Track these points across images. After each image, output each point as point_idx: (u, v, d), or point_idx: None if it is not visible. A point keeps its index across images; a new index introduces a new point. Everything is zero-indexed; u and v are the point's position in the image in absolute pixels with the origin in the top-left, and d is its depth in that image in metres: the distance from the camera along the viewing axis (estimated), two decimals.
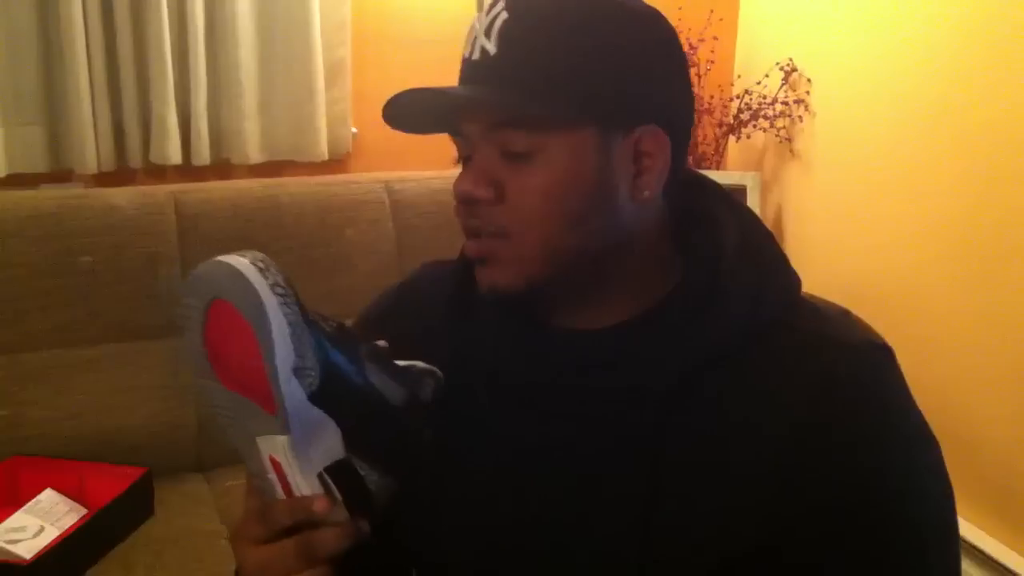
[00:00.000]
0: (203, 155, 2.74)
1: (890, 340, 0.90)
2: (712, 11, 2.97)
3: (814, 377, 0.85)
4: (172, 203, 2.38)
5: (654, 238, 0.92)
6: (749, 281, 0.89)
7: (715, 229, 0.93)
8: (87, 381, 2.24)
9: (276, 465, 0.84)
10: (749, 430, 0.85)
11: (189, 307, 0.84)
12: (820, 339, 0.88)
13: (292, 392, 0.80)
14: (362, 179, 2.62)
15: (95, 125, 2.61)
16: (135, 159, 2.69)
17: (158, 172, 2.76)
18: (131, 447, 2.19)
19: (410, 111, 0.92)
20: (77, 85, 2.55)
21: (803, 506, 0.83)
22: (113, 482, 2.00)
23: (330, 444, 0.84)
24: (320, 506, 0.82)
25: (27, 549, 1.80)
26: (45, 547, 1.81)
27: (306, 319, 0.82)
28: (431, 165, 2.70)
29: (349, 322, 0.94)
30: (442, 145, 3.42)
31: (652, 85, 0.89)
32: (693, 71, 2.83)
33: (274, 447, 0.83)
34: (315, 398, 0.82)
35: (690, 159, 2.91)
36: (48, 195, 2.37)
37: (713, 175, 1.87)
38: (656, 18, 0.90)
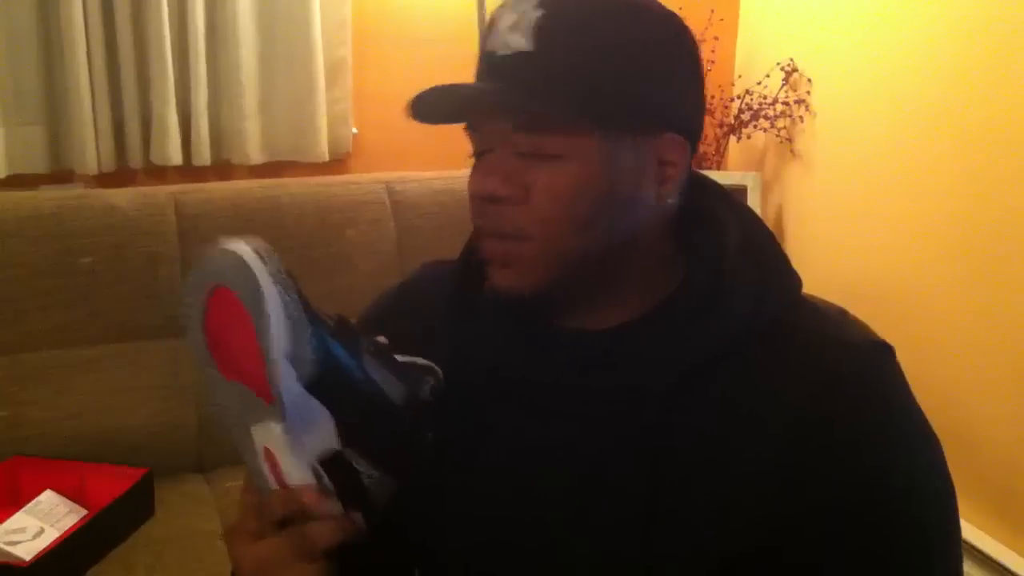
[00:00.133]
0: (203, 155, 2.74)
1: (890, 340, 0.90)
2: (713, 11, 2.96)
3: (817, 376, 0.85)
4: (172, 204, 2.38)
5: (658, 239, 0.92)
6: (752, 280, 0.90)
7: (717, 229, 0.93)
8: (87, 381, 2.24)
9: (270, 456, 0.83)
10: (751, 429, 0.85)
11: (191, 295, 0.85)
12: (822, 338, 0.88)
13: (288, 380, 0.80)
14: (363, 179, 2.62)
15: (95, 125, 2.61)
16: (135, 159, 2.69)
17: (158, 172, 2.76)
18: (131, 447, 2.19)
19: (434, 104, 0.91)
20: (77, 85, 2.55)
21: (806, 505, 0.83)
22: (113, 483, 2.00)
23: (324, 436, 0.83)
24: (310, 497, 0.81)
25: (27, 551, 1.80)
26: (45, 548, 1.80)
27: (306, 309, 0.82)
28: (432, 166, 2.70)
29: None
30: (443, 146, 3.41)
31: (677, 95, 0.90)
32: None
33: (268, 437, 0.82)
34: (313, 389, 0.81)
35: None
36: (48, 195, 2.37)
37: (714, 175, 1.87)
38: (682, 27, 0.91)
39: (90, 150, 2.59)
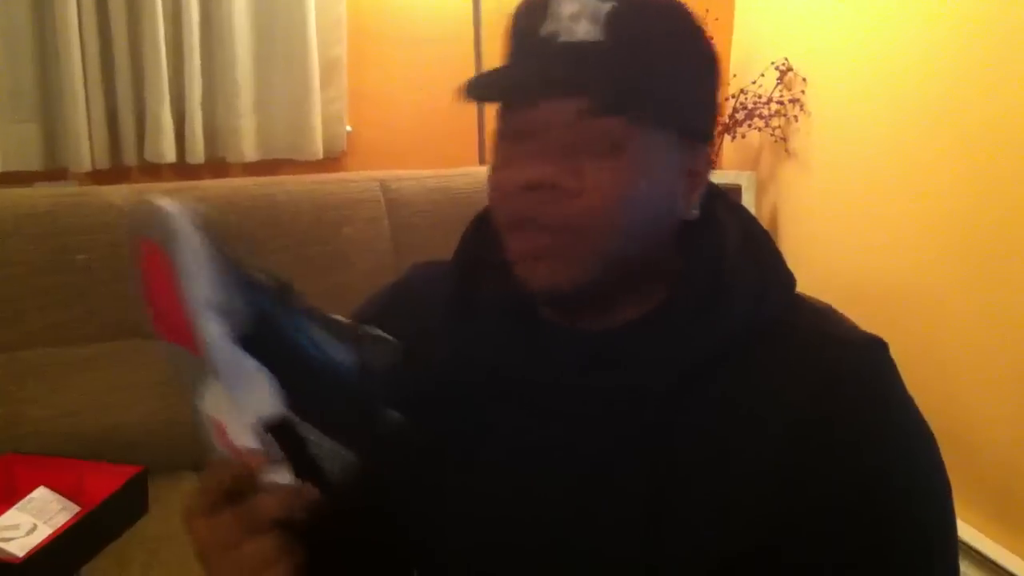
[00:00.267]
0: (198, 153, 2.74)
1: (887, 340, 0.90)
2: (707, 10, 2.93)
3: (816, 376, 0.85)
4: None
5: (664, 240, 0.93)
6: (752, 279, 0.90)
7: (716, 229, 0.93)
8: (84, 379, 2.24)
9: (217, 425, 0.80)
10: (751, 429, 0.85)
11: (131, 259, 0.82)
12: (821, 336, 0.88)
13: (214, 330, 0.77)
14: (358, 177, 2.62)
15: (90, 123, 2.61)
16: (130, 157, 2.69)
17: (153, 170, 2.76)
18: (128, 445, 2.19)
19: (500, 79, 0.87)
20: (72, 83, 2.55)
21: (806, 505, 0.83)
22: (108, 480, 2.00)
23: (265, 398, 0.79)
24: (252, 462, 0.78)
25: (20, 547, 1.80)
26: (38, 545, 1.80)
27: (236, 261, 0.79)
28: (426, 164, 2.70)
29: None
30: (437, 144, 3.38)
31: (712, 108, 0.92)
32: None
33: (214, 403, 0.80)
34: (246, 344, 0.78)
35: None
36: (44, 193, 2.36)
37: None
38: (710, 40, 0.91)
39: (84, 147, 2.59)
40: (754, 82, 2.93)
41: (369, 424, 0.84)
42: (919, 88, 2.40)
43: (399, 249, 2.53)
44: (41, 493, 1.97)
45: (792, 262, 0.94)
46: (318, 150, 2.87)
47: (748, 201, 2.97)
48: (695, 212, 0.91)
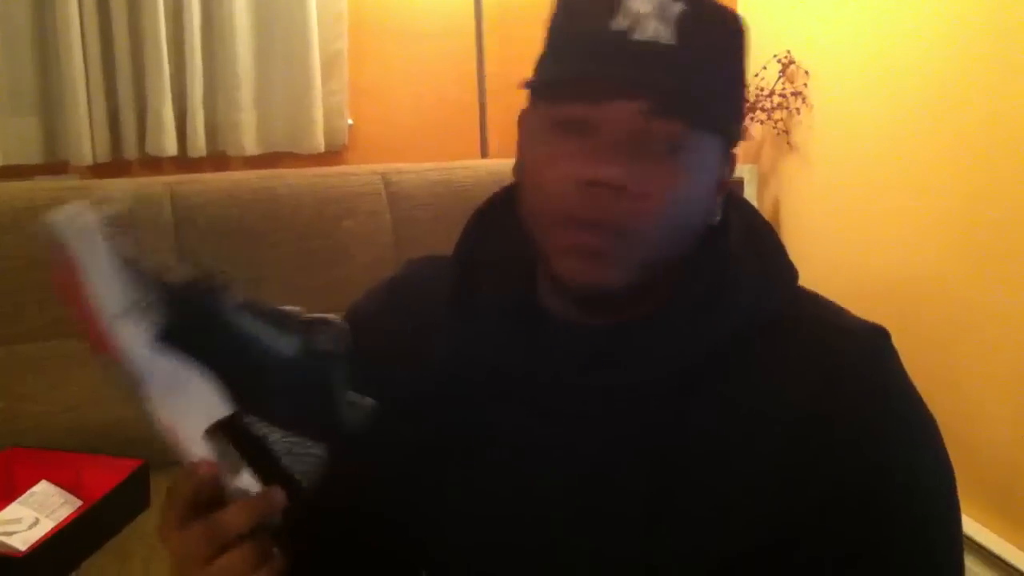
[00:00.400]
0: (199, 147, 2.74)
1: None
2: None
3: (817, 371, 0.85)
4: (168, 195, 2.37)
5: (693, 244, 0.92)
6: (755, 272, 0.90)
7: (721, 225, 0.92)
8: (84, 373, 2.24)
9: (172, 437, 0.76)
10: (752, 428, 0.84)
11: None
12: (822, 329, 0.88)
13: (129, 337, 0.73)
14: (359, 171, 2.61)
15: (90, 117, 2.60)
16: (130, 151, 2.69)
17: (153, 164, 2.76)
18: (129, 439, 2.16)
19: (563, 75, 0.85)
20: (72, 77, 2.55)
21: (808, 504, 0.83)
22: (109, 474, 2.00)
23: (208, 400, 0.74)
24: (205, 471, 0.74)
25: (22, 541, 1.80)
26: (40, 539, 1.80)
27: (153, 261, 0.75)
28: (427, 157, 2.69)
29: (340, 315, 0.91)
30: (437, 138, 3.37)
31: (743, 113, 0.94)
32: None
33: (161, 413, 0.75)
34: (168, 340, 0.74)
35: None
36: (44, 186, 2.36)
37: None
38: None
39: (85, 141, 2.59)
40: (756, 75, 2.92)
41: (331, 412, 0.79)
42: (921, 82, 2.40)
43: (400, 242, 2.52)
44: (43, 487, 1.97)
45: (793, 255, 0.94)
46: (319, 144, 2.87)
47: (750, 194, 2.97)
48: (717, 218, 0.90)
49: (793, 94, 2.87)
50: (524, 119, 0.91)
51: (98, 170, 2.66)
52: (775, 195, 3.04)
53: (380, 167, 2.61)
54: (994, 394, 2.24)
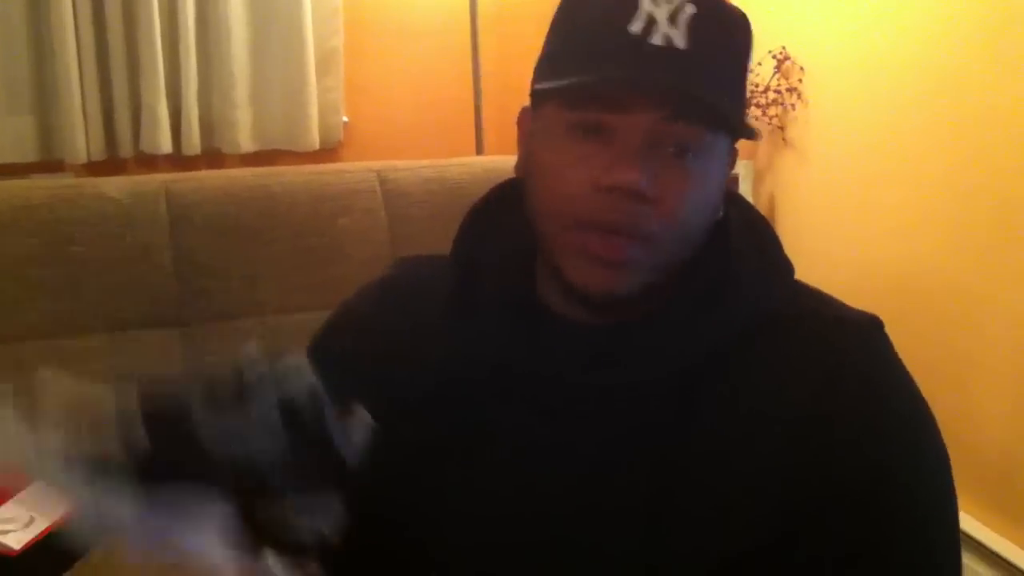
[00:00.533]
0: (194, 144, 2.73)
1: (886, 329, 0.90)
2: None
3: (817, 369, 0.85)
4: (164, 192, 2.37)
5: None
6: (757, 270, 0.90)
7: (721, 222, 0.92)
8: (79, 371, 2.19)
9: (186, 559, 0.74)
10: (753, 427, 0.84)
11: None
12: (820, 323, 0.88)
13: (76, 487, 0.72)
14: (354, 168, 2.60)
15: (85, 115, 2.60)
16: (125, 149, 2.68)
17: (149, 161, 2.76)
18: None
19: (583, 79, 0.84)
20: (67, 75, 2.54)
21: (808, 503, 0.83)
22: None
23: (205, 511, 0.72)
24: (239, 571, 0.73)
25: (17, 540, 1.79)
26: (35, 538, 1.80)
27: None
28: (423, 155, 2.69)
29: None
30: (433, 135, 3.37)
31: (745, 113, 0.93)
32: None
33: (166, 545, 0.74)
34: (145, 478, 0.72)
35: None
36: (40, 185, 2.36)
37: None
38: None
39: (80, 139, 2.59)
40: (751, 71, 2.91)
41: (334, 455, 0.77)
42: (917, 77, 2.40)
43: (396, 240, 2.52)
44: (38, 485, 1.96)
45: (789, 251, 0.94)
46: (314, 141, 2.87)
47: (745, 190, 2.97)
48: (721, 213, 0.91)
49: (788, 90, 2.87)
50: (526, 118, 0.91)
51: (93, 168, 2.66)
52: (771, 191, 3.04)
53: (375, 164, 2.61)
54: (992, 388, 2.24)
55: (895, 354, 0.89)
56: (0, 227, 2.21)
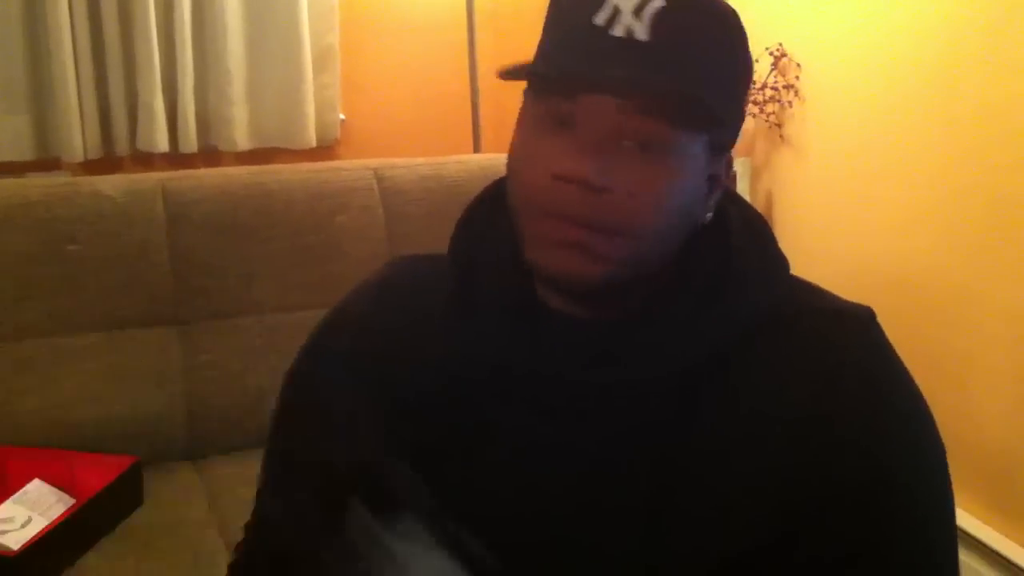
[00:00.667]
0: (190, 142, 2.73)
1: (883, 325, 0.90)
2: None
3: (817, 368, 0.85)
4: (160, 190, 2.37)
5: (681, 242, 0.91)
6: (757, 266, 0.90)
7: (721, 220, 0.92)
8: (77, 370, 2.23)
9: None
10: (753, 427, 0.84)
11: None
12: (821, 321, 0.88)
13: None
14: (351, 166, 2.60)
15: (81, 113, 2.60)
16: (122, 147, 2.68)
17: (145, 159, 2.76)
18: (121, 436, 2.18)
19: (540, 68, 0.85)
20: (63, 73, 2.54)
21: (809, 503, 0.83)
22: (102, 472, 1.99)
23: None
24: None
25: (15, 540, 1.79)
26: (33, 538, 1.79)
27: None
28: (420, 152, 2.69)
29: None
30: (431, 132, 3.36)
31: (741, 114, 0.91)
32: None
33: None
34: None
35: None
36: (36, 183, 2.35)
37: None
38: (748, 49, 0.90)
39: (76, 137, 2.59)
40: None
41: None
42: (913, 74, 2.40)
43: (393, 237, 2.52)
44: (36, 486, 1.96)
45: (787, 248, 0.94)
46: (311, 138, 2.87)
47: (743, 187, 2.97)
48: (710, 216, 0.90)
49: (785, 87, 2.86)
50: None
51: (90, 166, 2.65)
52: (768, 188, 3.04)
53: (372, 162, 2.61)
54: (989, 385, 2.24)
55: (891, 347, 0.89)
56: None
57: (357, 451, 0.95)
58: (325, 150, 2.94)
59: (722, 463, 0.84)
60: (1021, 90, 2.10)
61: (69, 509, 1.94)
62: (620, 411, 0.86)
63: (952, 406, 2.25)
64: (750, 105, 2.89)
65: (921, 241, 2.40)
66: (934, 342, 2.34)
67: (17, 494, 1.93)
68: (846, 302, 0.91)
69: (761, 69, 2.87)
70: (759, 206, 3.00)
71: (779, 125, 2.93)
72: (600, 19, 0.81)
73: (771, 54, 2.84)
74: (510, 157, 0.89)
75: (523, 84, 0.89)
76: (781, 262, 0.93)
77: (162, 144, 2.69)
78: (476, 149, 2.97)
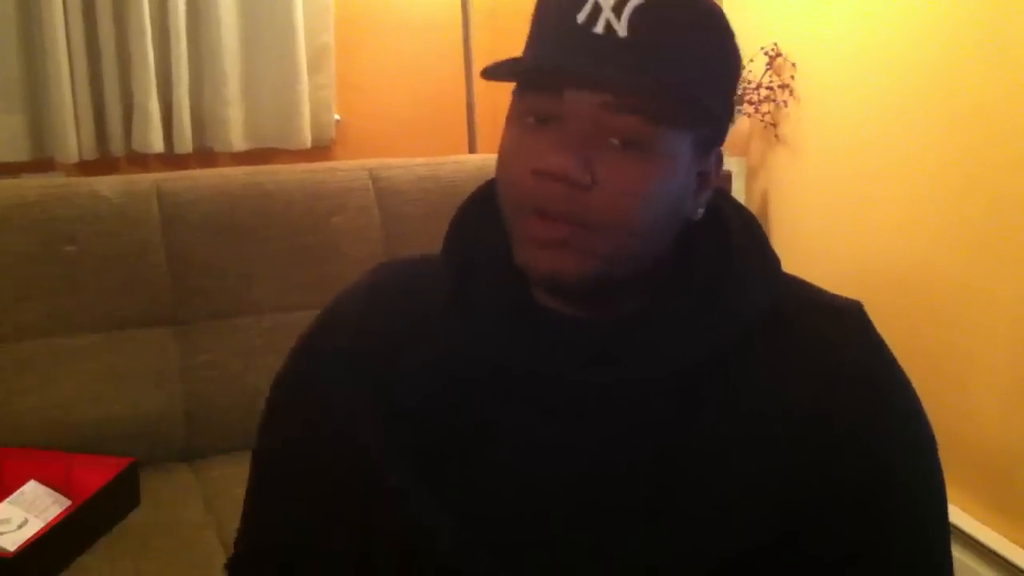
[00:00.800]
0: (185, 143, 2.73)
1: (879, 325, 0.91)
2: None
3: (817, 367, 0.85)
4: (155, 191, 2.37)
5: (671, 239, 0.91)
6: (756, 265, 0.90)
7: (718, 219, 0.92)
8: (74, 371, 2.23)
9: None
10: (753, 427, 0.84)
11: None
12: (819, 320, 0.89)
13: None
14: (347, 166, 2.60)
15: (76, 113, 2.59)
16: (117, 147, 2.68)
17: (140, 160, 2.75)
18: (119, 437, 2.18)
19: (520, 64, 0.85)
20: (58, 73, 2.53)
21: (809, 503, 0.83)
22: (98, 473, 1.99)
23: None
24: None
25: (11, 541, 1.79)
26: (29, 539, 1.79)
27: None
28: (416, 152, 2.69)
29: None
30: (427, 132, 3.35)
31: (729, 110, 0.91)
32: None
33: None
34: None
35: None
36: (32, 184, 2.35)
37: None
38: (736, 45, 0.90)
39: (71, 138, 2.58)
40: (743, 68, 2.91)
41: None
42: (909, 73, 2.40)
43: (390, 238, 2.52)
44: (32, 487, 1.96)
45: (783, 248, 0.94)
46: (306, 139, 2.86)
47: (738, 187, 2.97)
48: (701, 212, 0.90)
49: (780, 87, 2.87)
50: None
51: (85, 167, 2.65)
52: (764, 188, 3.04)
53: (368, 163, 2.61)
54: (989, 385, 2.24)
55: (885, 343, 0.89)
56: None
57: (356, 451, 0.95)
58: (321, 150, 2.94)
59: (722, 463, 0.84)
60: (1020, 88, 2.10)
61: (65, 510, 1.94)
62: (620, 411, 0.86)
63: (952, 405, 2.25)
64: (745, 105, 2.90)
65: (919, 240, 2.41)
66: (933, 341, 2.35)
67: (13, 495, 1.93)
68: (838, 297, 0.92)
69: (756, 69, 2.88)
70: (755, 206, 3.01)
71: (774, 125, 2.93)
72: (582, 16, 0.82)
73: (766, 53, 2.84)
74: (498, 156, 0.89)
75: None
76: (775, 262, 0.93)
77: (157, 145, 2.68)
78: (472, 149, 2.97)
